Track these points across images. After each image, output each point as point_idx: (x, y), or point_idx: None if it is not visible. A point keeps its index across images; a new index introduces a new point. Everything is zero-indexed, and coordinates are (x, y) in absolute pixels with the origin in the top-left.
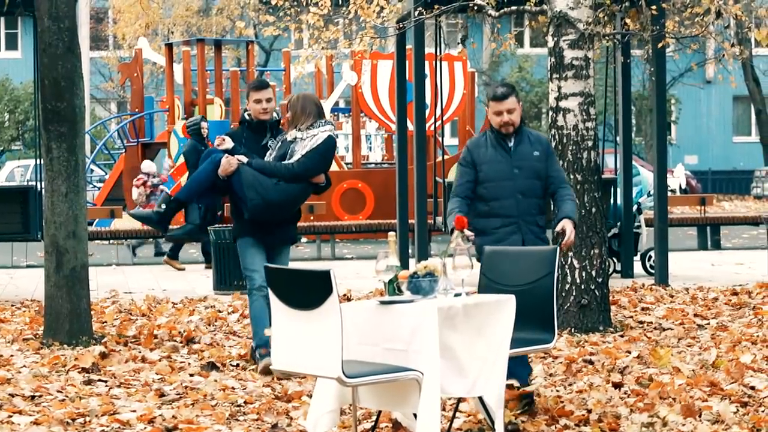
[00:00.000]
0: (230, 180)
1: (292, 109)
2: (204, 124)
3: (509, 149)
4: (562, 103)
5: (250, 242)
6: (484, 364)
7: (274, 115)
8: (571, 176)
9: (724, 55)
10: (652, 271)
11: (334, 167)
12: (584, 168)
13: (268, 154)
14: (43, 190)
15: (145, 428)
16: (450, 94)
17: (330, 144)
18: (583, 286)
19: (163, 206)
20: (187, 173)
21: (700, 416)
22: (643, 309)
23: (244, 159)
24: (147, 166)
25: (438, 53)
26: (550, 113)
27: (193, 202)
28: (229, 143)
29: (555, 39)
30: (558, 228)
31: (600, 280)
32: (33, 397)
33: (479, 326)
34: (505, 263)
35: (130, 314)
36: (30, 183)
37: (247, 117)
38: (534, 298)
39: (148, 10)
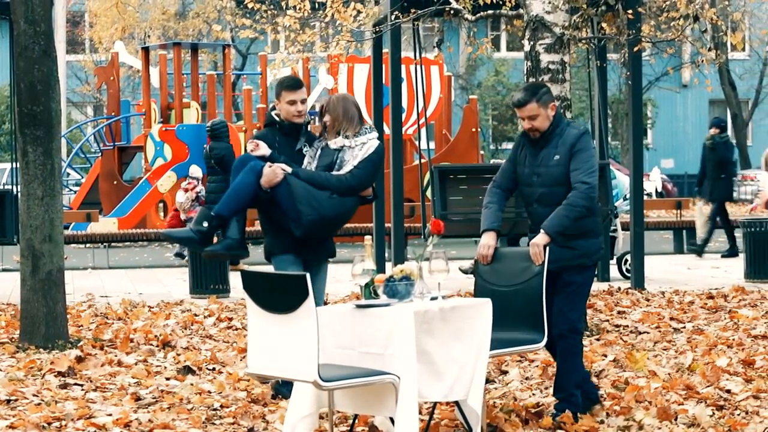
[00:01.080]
0: (275, 192)
1: (333, 113)
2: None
3: (534, 153)
4: None
5: (290, 260)
6: (461, 368)
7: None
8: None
9: (702, 60)
10: (628, 275)
11: None
12: None
13: (306, 162)
14: (19, 194)
15: None
16: (427, 98)
17: (382, 153)
18: None
19: (205, 224)
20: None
21: (676, 419)
22: (619, 312)
23: (288, 168)
24: (195, 170)
25: (416, 57)
26: None
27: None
28: (264, 149)
29: (531, 43)
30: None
31: None
32: (9, 401)
33: (456, 330)
34: (498, 264)
35: (106, 318)
36: (6, 187)
37: (276, 118)
38: (524, 299)
39: (125, 14)
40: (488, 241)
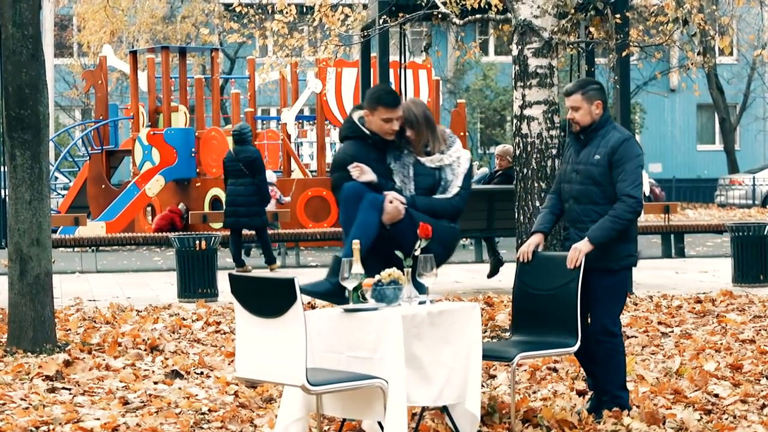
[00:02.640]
0: (396, 227)
1: (417, 128)
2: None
3: (577, 150)
4: (527, 111)
5: None
6: (450, 373)
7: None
8: (536, 184)
9: (692, 64)
10: None
11: (298, 174)
12: (548, 176)
13: (398, 182)
14: (7, 198)
15: None
16: None
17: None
18: None
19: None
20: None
21: (664, 424)
22: None
23: (402, 198)
24: (271, 175)
25: (403, 61)
26: (515, 121)
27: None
28: (370, 174)
29: (519, 47)
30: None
31: None
32: None
33: (445, 334)
34: (537, 268)
35: (94, 322)
36: None
37: (366, 131)
38: (559, 303)
39: (113, 17)
40: (532, 240)
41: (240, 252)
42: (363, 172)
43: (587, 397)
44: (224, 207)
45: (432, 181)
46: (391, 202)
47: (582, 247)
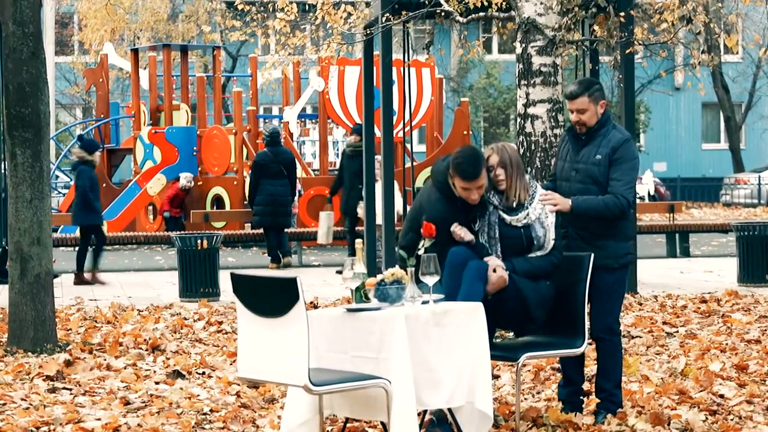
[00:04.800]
0: (500, 295)
1: (509, 171)
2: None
3: (577, 149)
4: (531, 110)
5: None
6: (460, 374)
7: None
8: (539, 183)
9: (699, 62)
10: None
11: (300, 173)
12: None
13: (483, 241)
14: (8, 197)
15: None
16: (418, 100)
17: None
18: None
19: None
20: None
21: (669, 424)
22: None
23: (501, 262)
24: None
25: (406, 59)
26: (518, 120)
27: None
28: (467, 234)
29: (523, 45)
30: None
31: None
32: None
33: (452, 335)
34: None
35: (95, 321)
36: None
37: (457, 194)
38: (565, 303)
39: (114, 16)
40: None
41: (284, 248)
42: (463, 233)
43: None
44: (258, 206)
45: (521, 243)
46: (494, 270)
47: (562, 204)
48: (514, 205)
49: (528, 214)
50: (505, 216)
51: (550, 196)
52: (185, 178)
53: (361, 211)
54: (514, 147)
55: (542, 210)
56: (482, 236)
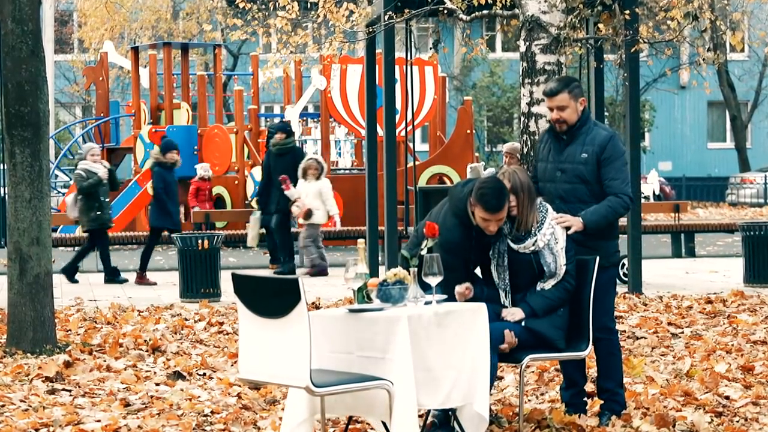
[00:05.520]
0: (524, 344)
1: (520, 197)
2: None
3: (559, 149)
4: (534, 109)
5: None
6: (458, 375)
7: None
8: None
9: (703, 60)
10: (626, 279)
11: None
12: None
13: (493, 271)
14: (7, 196)
15: None
16: (421, 99)
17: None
18: None
19: None
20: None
21: (674, 426)
22: (616, 317)
23: (521, 313)
24: None
25: (409, 58)
26: (522, 118)
27: None
28: (471, 292)
29: (527, 43)
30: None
31: None
32: None
33: (453, 336)
34: None
35: (95, 322)
36: None
37: (472, 219)
38: (571, 308)
39: (114, 14)
40: None
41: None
42: (470, 292)
43: (556, 393)
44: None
45: (532, 269)
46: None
47: (575, 223)
48: (522, 233)
49: (536, 241)
50: (512, 245)
51: (562, 219)
52: (201, 169)
53: (296, 210)
54: (526, 172)
55: (551, 236)
56: (492, 266)
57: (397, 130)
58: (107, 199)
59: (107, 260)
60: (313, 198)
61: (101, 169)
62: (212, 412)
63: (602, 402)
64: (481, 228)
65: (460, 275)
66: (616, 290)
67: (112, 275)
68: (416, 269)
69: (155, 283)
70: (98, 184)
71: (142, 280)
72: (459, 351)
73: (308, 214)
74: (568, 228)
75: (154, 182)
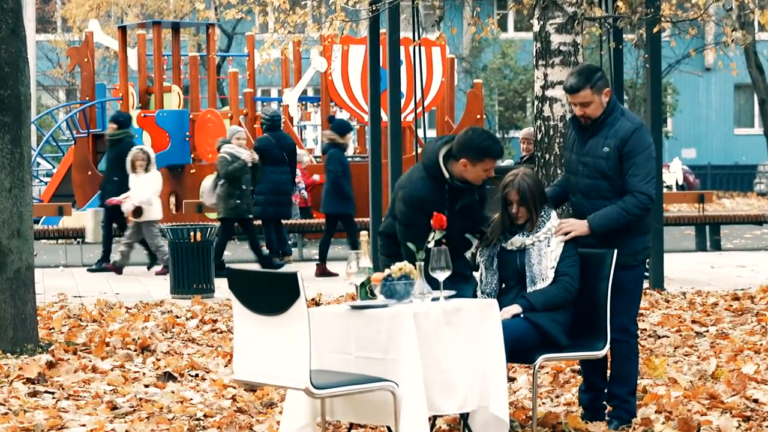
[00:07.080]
0: (522, 337)
1: (529, 206)
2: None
3: (582, 140)
4: (549, 92)
5: None
6: (473, 376)
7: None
8: (558, 171)
9: (732, 40)
10: (647, 274)
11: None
12: None
13: (482, 265)
14: None
15: None
16: (428, 82)
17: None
18: None
19: None
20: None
21: (698, 431)
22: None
23: (517, 308)
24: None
25: (415, 38)
26: (536, 103)
27: None
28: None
29: (541, 23)
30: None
31: None
32: None
33: (464, 334)
34: None
35: (80, 320)
36: None
37: (446, 174)
38: (586, 303)
39: None
40: None
41: (285, 242)
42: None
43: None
44: (261, 195)
45: (516, 270)
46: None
47: (579, 228)
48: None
49: (527, 242)
50: (503, 242)
51: (563, 227)
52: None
53: (125, 208)
54: (536, 176)
55: (545, 239)
56: (482, 261)
57: (403, 115)
58: (250, 188)
59: (263, 248)
60: (147, 192)
61: (246, 154)
62: (205, 416)
63: (611, 409)
64: (473, 181)
65: (423, 233)
66: (641, 292)
67: (266, 263)
68: (422, 263)
69: (337, 275)
70: (243, 169)
71: (323, 270)
72: (472, 350)
73: (138, 211)
74: (567, 234)
75: (332, 165)
